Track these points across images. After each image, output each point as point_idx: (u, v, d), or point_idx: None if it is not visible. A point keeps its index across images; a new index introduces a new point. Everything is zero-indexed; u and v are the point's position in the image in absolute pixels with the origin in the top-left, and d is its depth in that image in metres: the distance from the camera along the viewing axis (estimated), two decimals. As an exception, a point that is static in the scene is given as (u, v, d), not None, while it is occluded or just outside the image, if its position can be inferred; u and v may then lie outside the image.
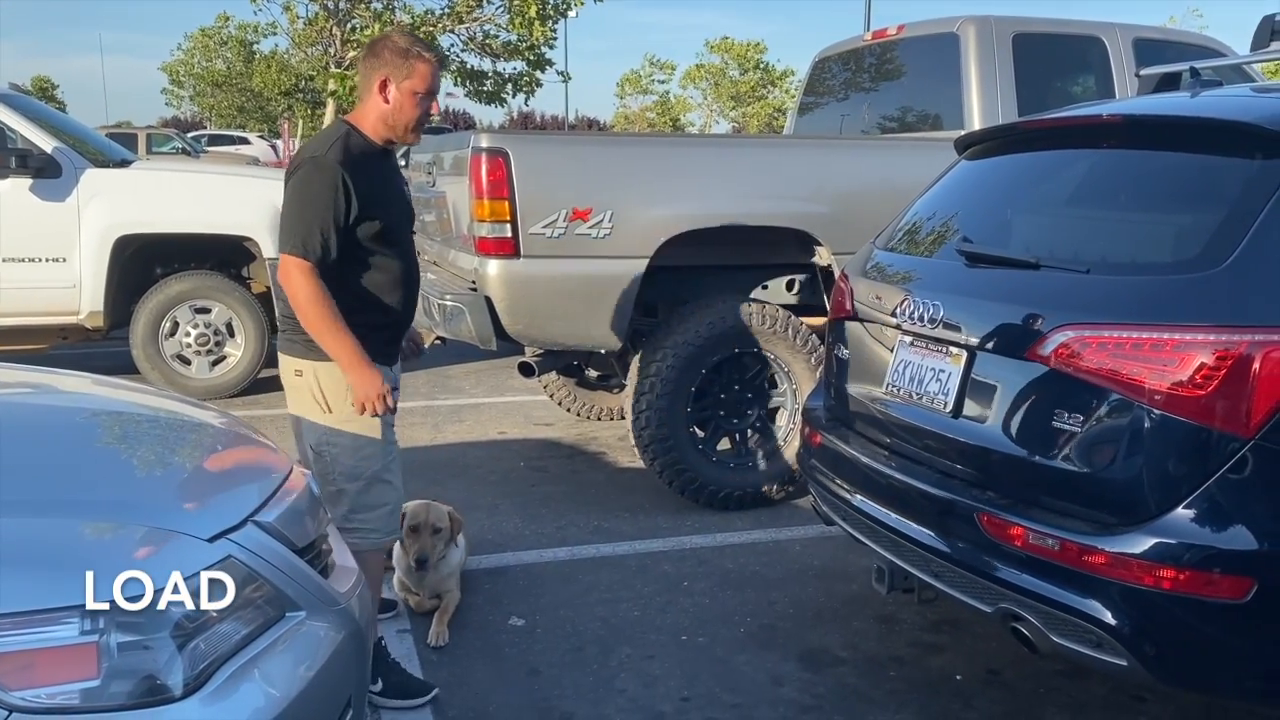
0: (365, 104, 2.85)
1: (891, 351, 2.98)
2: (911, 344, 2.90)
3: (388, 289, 2.89)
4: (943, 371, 2.75)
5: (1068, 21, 5.81)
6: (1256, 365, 2.15)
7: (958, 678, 3.20)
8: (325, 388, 2.82)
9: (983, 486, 2.62)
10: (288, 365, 2.88)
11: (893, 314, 2.94)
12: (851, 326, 3.25)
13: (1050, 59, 5.60)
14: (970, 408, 2.66)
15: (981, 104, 5.27)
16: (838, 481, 3.14)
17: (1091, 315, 2.39)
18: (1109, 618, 2.26)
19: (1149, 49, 5.63)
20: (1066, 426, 2.38)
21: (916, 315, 2.83)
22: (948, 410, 2.70)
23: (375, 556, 2.93)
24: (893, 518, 2.87)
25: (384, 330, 2.92)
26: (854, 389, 3.19)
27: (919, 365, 2.85)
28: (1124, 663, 2.28)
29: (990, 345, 2.62)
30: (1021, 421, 2.53)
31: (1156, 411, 2.23)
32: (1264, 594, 2.16)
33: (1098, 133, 2.95)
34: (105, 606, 1.60)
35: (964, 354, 2.68)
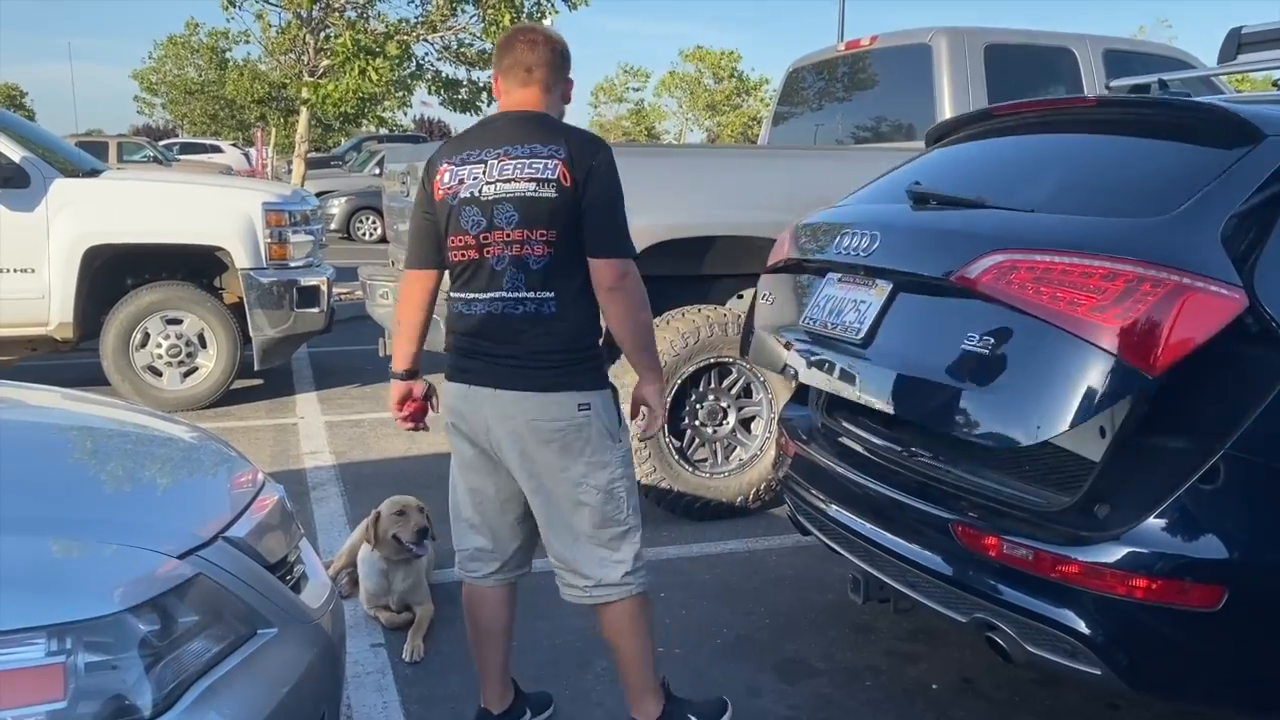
0: (550, 99, 2.63)
1: (816, 291, 3.00)
2: (840, 280, 2.93)
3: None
4: (863, 303, 2.76)
5: (1039, 33, 5.87)
6: (1177, 305, 2.17)
7: (934, 687, 3.20)
8: (609, 415, 2.60)
9: (875, 415, 2.69)
10: (565, 402, 2.52)
11: (825, 250, 2.96)
12: (781, 277, 3.27)
13: (1022, 70, 5.66)
14: (883, 336, 2.67)
15: (954, 114, 5.30)
16: (813, 492, 3.15)
17: (1026, 244, 2.42)
18: (1083, 627, 2.27)
19: (1119, 60, 5.70)
20: (976, 349, 2.38)
21: (849, 248, 2.85)
22: (859, 338, 2.72)
23: (643, 599, 2.71)
24: (868, 528, 2.87)
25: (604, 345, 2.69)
26: (768, 332, 3.22)
27: (840, 299, 2.87)
28: (1098, 671, 2.29)
29: (917, 272, 2.63)
30: (933, 346, 2.55)
31: (1071, 336, 2.22)
32: (1235, 602, 2.18)
33: (1069, 116, 2.99)
34: (72, 627, 1.57)
35: (889, 286, 2.70)
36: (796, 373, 3.08)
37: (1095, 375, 2.20)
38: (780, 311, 3.23)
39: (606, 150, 2.54)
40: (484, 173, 2.52)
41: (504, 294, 2.53)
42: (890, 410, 2.67)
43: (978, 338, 2.39)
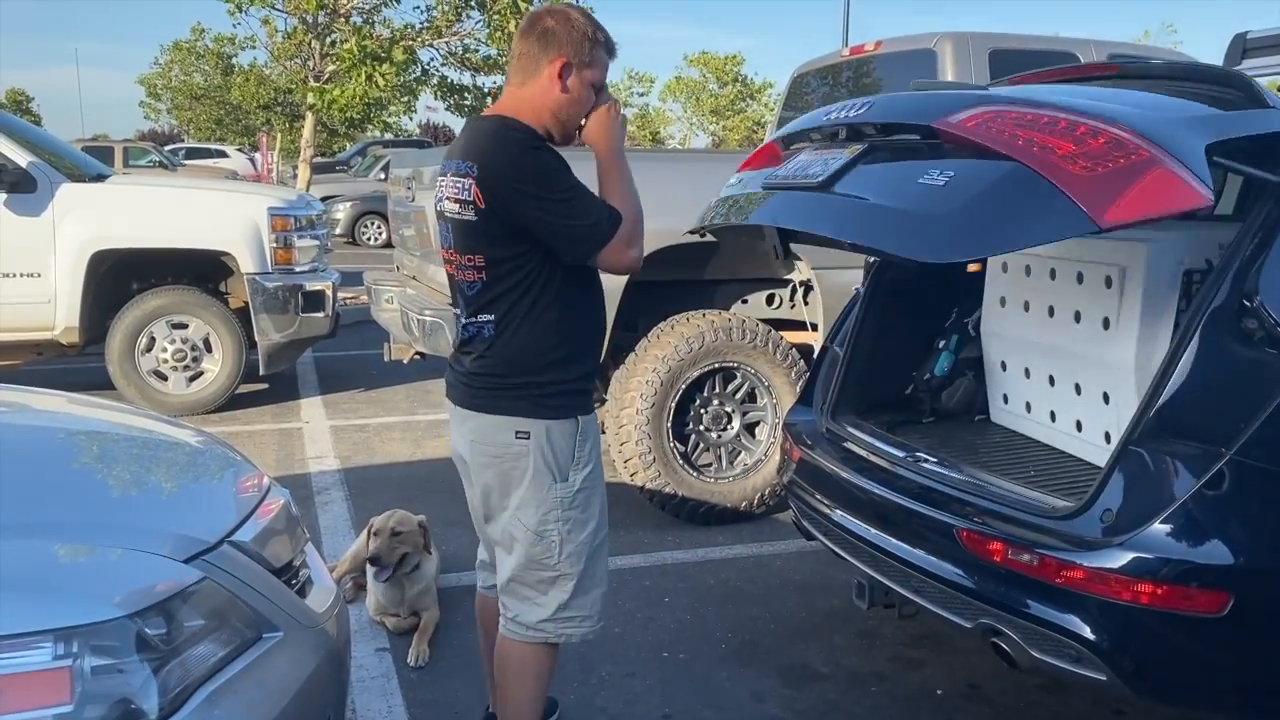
0: (527, 89, 2.35)
1: (787, 161, 2.98)
2: (815, 147, 2.89)
3: (590, 320, 2.49)
4: (832, 160, 2.69)
5: (1043, 38, 5.87)
6: (1147, 174, 2.17)
7: (939, 693, 3.20)
8: (559, 451, 2.38)
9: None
10: (502, 427, 2.37)
11: (809, 123, 2.95)
12: (753, 171, 3.24)
13: (1026, 75, 5.65)
14: (844, 181, 2.60)
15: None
16: (818, 497, 3.15)
17: (1017, 102, 2.44)
18: (1088, 632, 2.27)
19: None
20: (933, 183, 2.32)
21: (834, 117, 2.81)
22: (817, 183, 2.65)
23: (555, 650, 2.54)
24: (872, 533, 2.87)
25: (589, 367, 2.48)
26: (723, 192, 3.21)
27: (809, 160, 2.81)
28: (1103, 677, 2.29)
29: (900, 122, 2.59)
30: (890, 184, 2.50)
31: (1033, 173, 2.19)
32: (1241, 608, 2.18)
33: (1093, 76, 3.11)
34: (79, 630, 1.57)
35: (862, 146, 2.64)
36: (747, 218, 2.99)
37: (1045, 211, 2.16)
38: (744, 183, 3.19)
39: (509, 158, 2.27)
40: (442, 188, 2.41)
41: (458, 310, 2.48)
42: (830, 234, 2.58)
43: (938, 174, 2.33)
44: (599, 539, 2.50)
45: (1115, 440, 2.69)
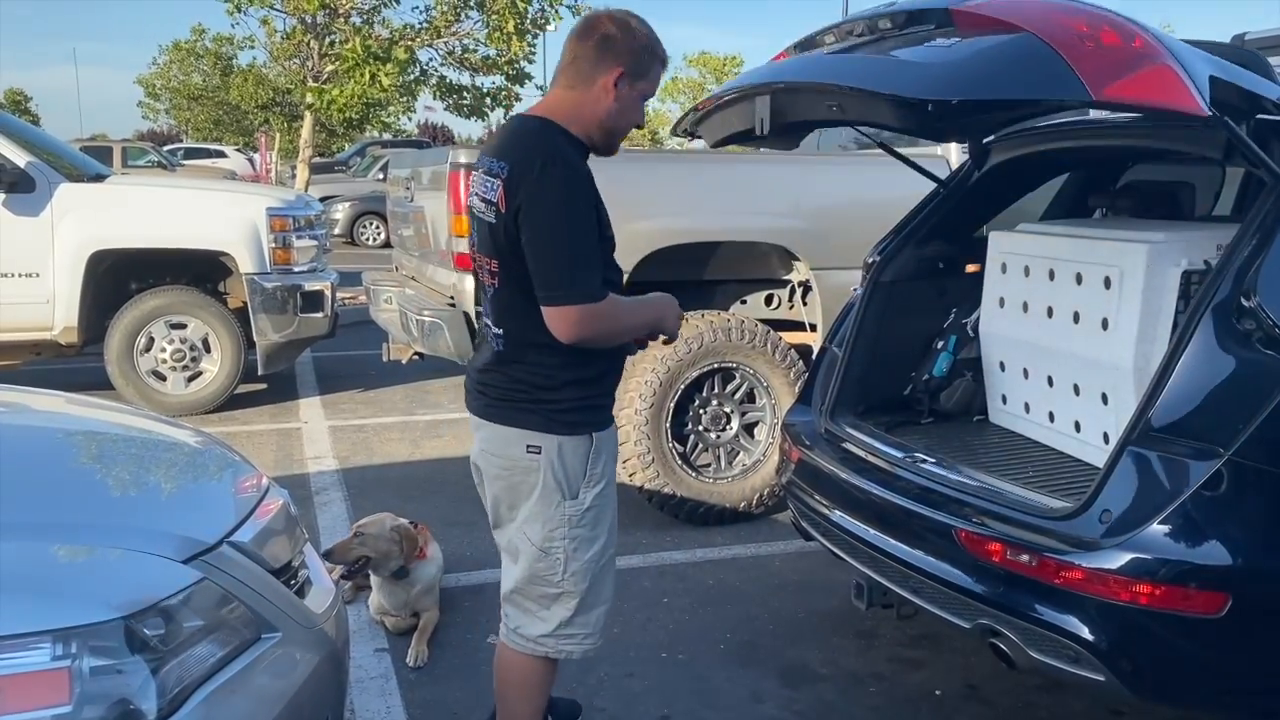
0: (578, 93, 2.28)
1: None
2: (828, 49, 2.88)
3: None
4: (845, 46, 2.73)
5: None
6: (1153, 68, 2.19)
7: (937, 693, 3.20)
8: (570, 467, 2.32)
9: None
10: (514, 439, 2.33)
11: (827, 31, 2.93)
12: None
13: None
14: (853, 53, 2.64)
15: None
16: (816, 497, 3.15)
17: None
18: (1086, 633, 2.27)
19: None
20: (937, 49, 2.39)
21: (858, 19, 2.81)
22: (823, 53, 2.70)
23: (554, 665, 2.50)
24: (871, 534, 2.88)
25: (606, 388, 2.43)
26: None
27: (821, 54, 2.83)
28: (1101, 678, 2.29)
29: (917, 8, 2.60)
30: (896, 55, 2.54)
31: (1042, 43, 2.20)
32: (1239, 609, 2.18)
33: None
34: (77, 631, 1.57)
35: (874, 37, 2.66)
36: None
37: (1045, 73, 2.18)
38: (743, 77, 3.19)
39: (550, 168, 2.17)
40: (474, 184, 2.36)
41: (482, 311, 2.44)
42: (827, 80, 2.60)
43: (947, 41, 2.38)
44: (606, 557, 2.44)
45: (1114, 441, 2.70)
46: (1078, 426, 3.03)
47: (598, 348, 2.31)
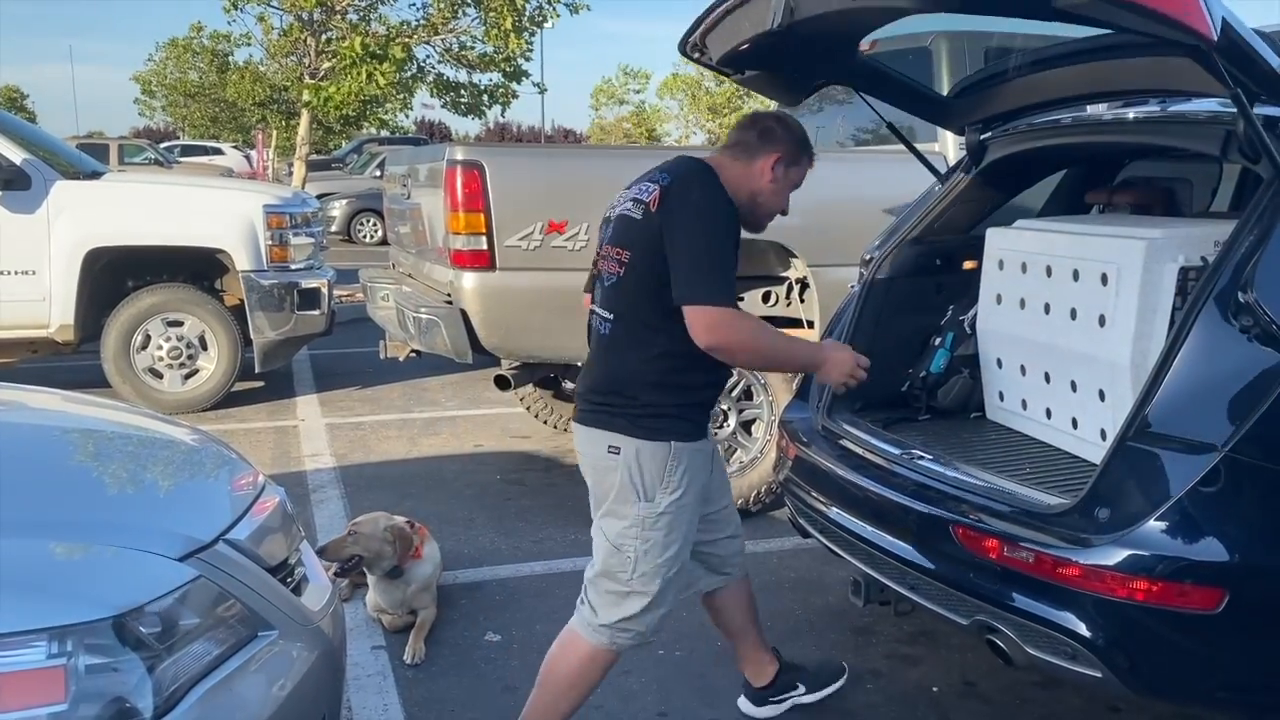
0: (740, 165, 2.57)
1: None
2: None
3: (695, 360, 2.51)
4: None
5: (1038, 37, 5.85)
6: None
7: (934, 690, 3.20)
8: (647, 471, 2.46)
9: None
10: (598, 440, 2.52)
11: None
12: None
13: (1022, 72, 5.64)
14: None
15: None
16: (814, 494, 3.15)
17: None
18: (1083, 629, 2.27)
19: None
20: None
21: None
22: None
23: (611, 659, 2.62)
24: (868, 530, 2.88)
25: (695, 399, 2.58)
26: None
27: None
28: (1098, 674, 2.29)
29: None
30: None
31: None
32: (1236, 605, 2.18)
33: None
34: (73, 629, 1.57)
35: None
36: None
37: None
38: None
39: (709, 190, 2.45)
40: (623, 195, 2.59)
41: (595, 307, 2.64)
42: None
43: None
44: (677, 565, 2.56)
45: (1111, 437, 2.70)
46: (1075, 423, 3.03)
47: (736, 363, 2.54)
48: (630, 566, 2.51)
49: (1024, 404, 3.28)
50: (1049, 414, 3.16)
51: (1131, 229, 2.93)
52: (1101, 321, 2.88)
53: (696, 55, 3.12)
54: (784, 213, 2.68)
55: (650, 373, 2.47)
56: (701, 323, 2.35)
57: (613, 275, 2.51)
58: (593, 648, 2.59)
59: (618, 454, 2.49)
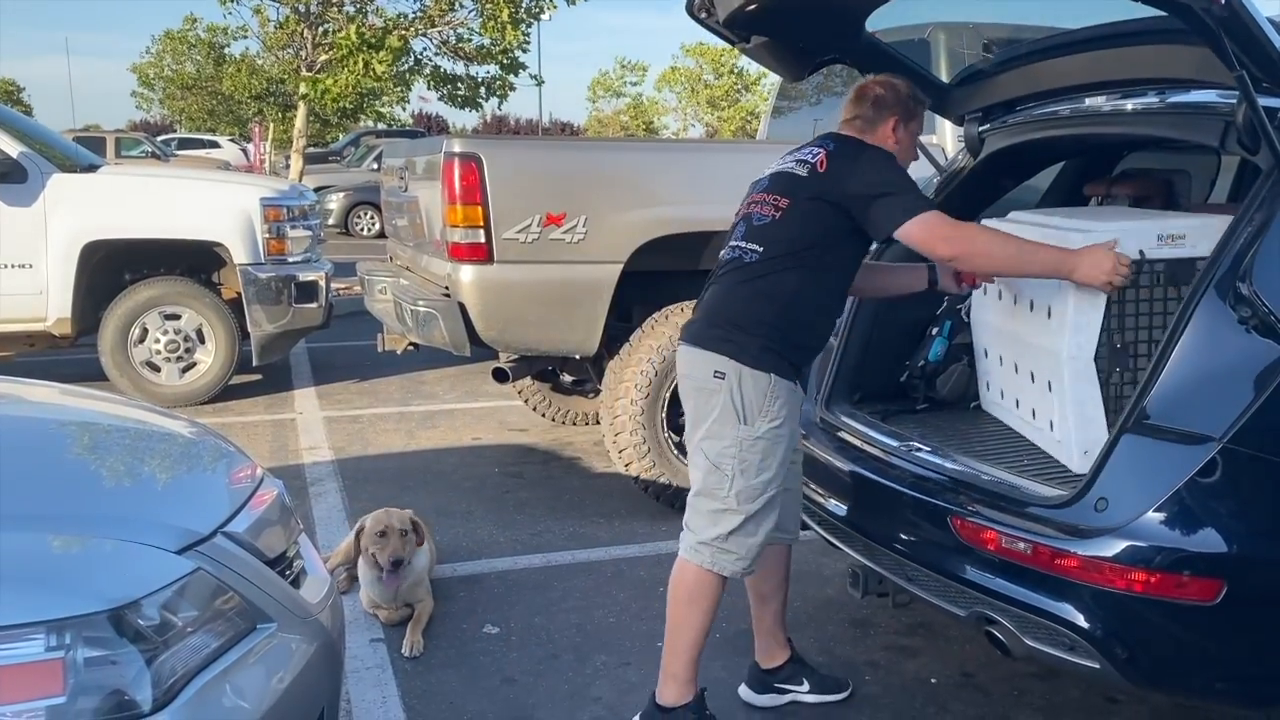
0: (868, 137, 2.81)
1: None
2: None
3: (821, 314, 2.80)
4: None
5: (1036, 29, 5.85)
6: None
7: (932, 681, 3.21)
8: (748, 397, 2.64)
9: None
10: (705, 363, 2.69)
11: None
12: None
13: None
14: None
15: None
16: (812, 486, 3.15)
17: None
18: (1081, 621, 2.27)
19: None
20: None
21: None
22: None
23: (717, 583, 2.76)
24: (866, 522, 2.88)
25: (794, 344, 2.74)
26: None
27: None
28: (1096, 665, 2.29)
29: None
30: None
31: None
32: (1234, 596, 2.18)
33: None
34: (71, 622, 1.57)
35: None
36: None
37: None
38: None
39: (873, 151, 2.72)
40: (781, 161, 2.82)
41: (728, 245, 2.81)
42: None
43: None
44: (772, 490, 2.71)
45: (1059, 428, 2.76)
46: (1034, 413, 3.04)
47: (979, 268, 2.81)
48: (727, 484, 2.67)
49: (1002, 394, 3.27)
50: (1017, 403, 3.16)
51: (1081, 222, 2.92)
52: (1049, 313, 2.88)
53: (703, 15, 3.15)
54: (914, 159, 2.94)
55: (775, 308, 2.67)
56: (926, 231, 2.59)
57: (765, 217, 2.72)
58: (697, 570, 2.73)
59: (723, 378, 2.65)
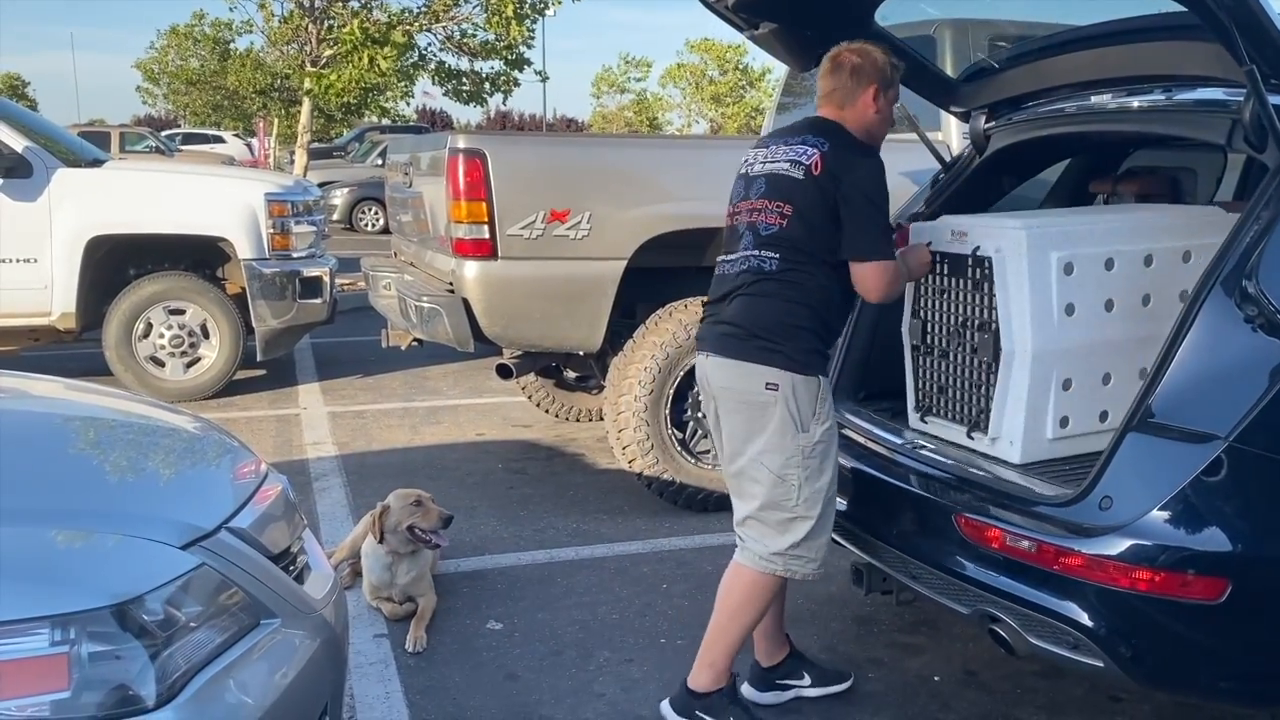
0: (848, 111, 2.82)
1: None
2: None
3: (844, 304, 2.86)
4: None
5: (1043, 26, 5.83)
6: None
7: (936, 679, 3.21)
8: (802, 403, 2.67)
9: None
10: (752, 376, 2.69)
11: None
12: None
13: (1025, 61, 5.62)
14: None
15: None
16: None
17: None
18: (1085, 619, 2.27)
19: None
20: None
21: None
22: None
23: (777, 584, 2.83)
24: (870, 519, 2.88)
25: (831, 340, 2.86)
26: None
27: None
28: (1100, 664, 2.29)
29: None
30: None
31: None
32: (1239, 595, 2.18)
33: None
34: (75, 617, 1.57)
35: None
36: None
37: None
38: None
39: (872, 157, 2.75)
40: (764, 156, 2.82)
41: (736, 254, 2.79)
42: None
43: None
44: (830, 491, 2.78)
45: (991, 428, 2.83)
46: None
47: (887, 302, 2.86)
48: (795, 493, 2.70)
49: None
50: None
51: (1008, 219, 2.94)
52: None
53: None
54: (893, 125, 2.96)
55: (808, 310, 2.70)
56: (874, 277, 2.69)
57: (773, 226, 2.72)
58: (757, 575, 2.78)
59: (776, 389, 2.66)
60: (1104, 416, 2.80)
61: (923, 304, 3.04)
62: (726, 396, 2.76)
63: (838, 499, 3.02)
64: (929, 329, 3.04)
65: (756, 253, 2.73)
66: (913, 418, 3.12)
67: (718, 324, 2.80)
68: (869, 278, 2.70)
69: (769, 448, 2.69)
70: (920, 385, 3.10)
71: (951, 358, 2.97)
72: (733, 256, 2.81)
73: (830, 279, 2.72)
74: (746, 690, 3.05)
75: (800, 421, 2.68)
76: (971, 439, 2.90)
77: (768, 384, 2.67)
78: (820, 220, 2.68)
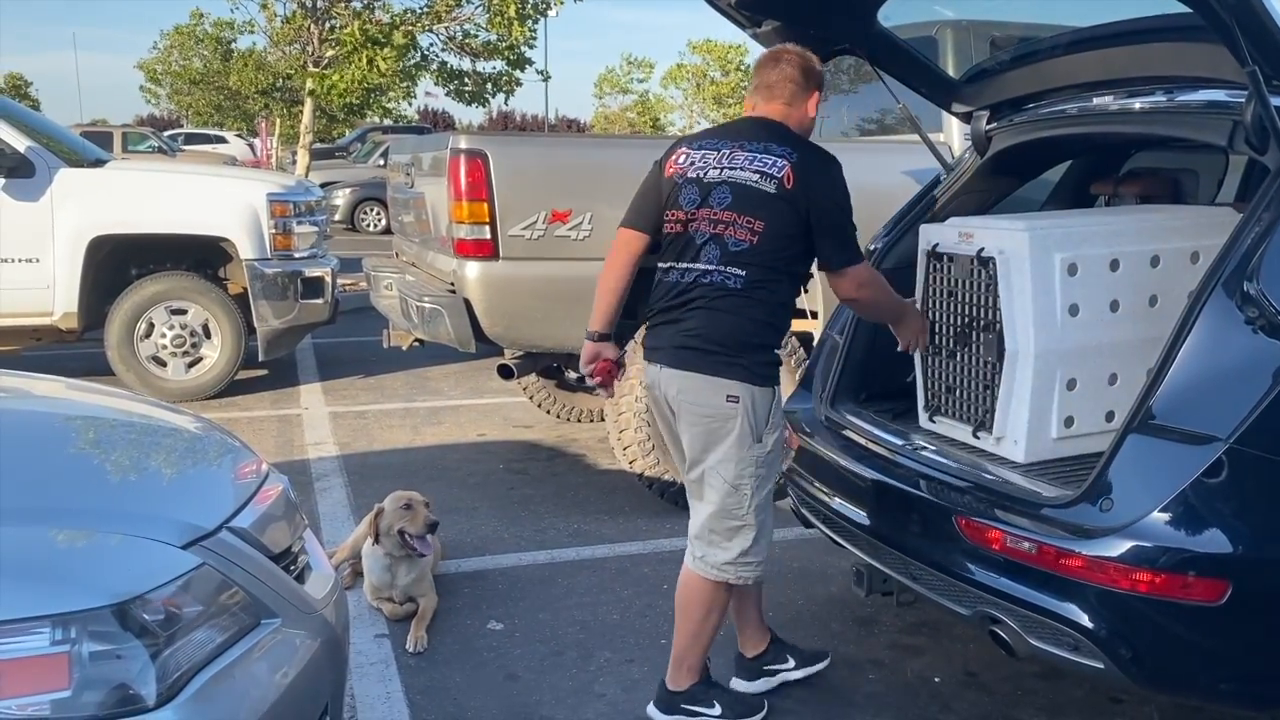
0: (795, 110, 2.82)
1: None
2: None
3: (794, 310, 2.88)
4: None
5: (1044, 27, 5.83)
6: None
7: (936, 680, 3.20)
8: (759, 414, 2.70)
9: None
10: (713, 389, 2.68)
11: None
12: None
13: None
14: None
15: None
16: (816, 484, 3.15)
17: None
18: (1086, 621, 2.27)
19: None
20: None
21: None
22: None
23: (729, 589, 2.85)
24: (871, 521, 2.88)
25: (781, 345, 2.85)
26: None
27: None
28: (1100, 665, 2.29)
29: None
30: None
31: None
32: (1239, 597, 2.18)
33: None
34: (76, 616, 1.57)
35: None
36: None
37: None
38: None
39: (834, 164, 2.73)
40: (715, 160, 2.75)
41: (697, 265, 2.72)
42: None
43: None
44: (772, 495, 2.82)
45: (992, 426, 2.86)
46: None
47: (863, 313, 3.03)
48: (747, 502, 2.73)
49: None
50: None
51: (1009, 222, 2.95)
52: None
53: None
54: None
55: (766, 324, 2.71)
56: (851, 282, 2.75)
57: (742, 242, 2.67)
58: (711, 584, 2.80)
59: (737, 402, 2.67)
60: (1110, 417, 2.80)
61: (930, 304, 3.05)
62: (686, 410, 2.74)
63: (839, 500, 3.03)
64: (936, 329, 3.05)
65: (721, 268, 2.68)
66: (922, 417, 3.13)
67: (675, 335, 2.75)
68: (852, 283, 2.76)
69: (726, 458, 2.71)
70: (929, 385, 3.11)
71: (958, 358, 2.98)
72: (690, 266, 2.73)
73: (790, 291, 2.77)
74: (735, 683, 3.06)
75: (756, 432, 2.70)
76: (977, 438, 2.90)
77: (729, 397, 2.67)
78: (792, 234, 2.68)
